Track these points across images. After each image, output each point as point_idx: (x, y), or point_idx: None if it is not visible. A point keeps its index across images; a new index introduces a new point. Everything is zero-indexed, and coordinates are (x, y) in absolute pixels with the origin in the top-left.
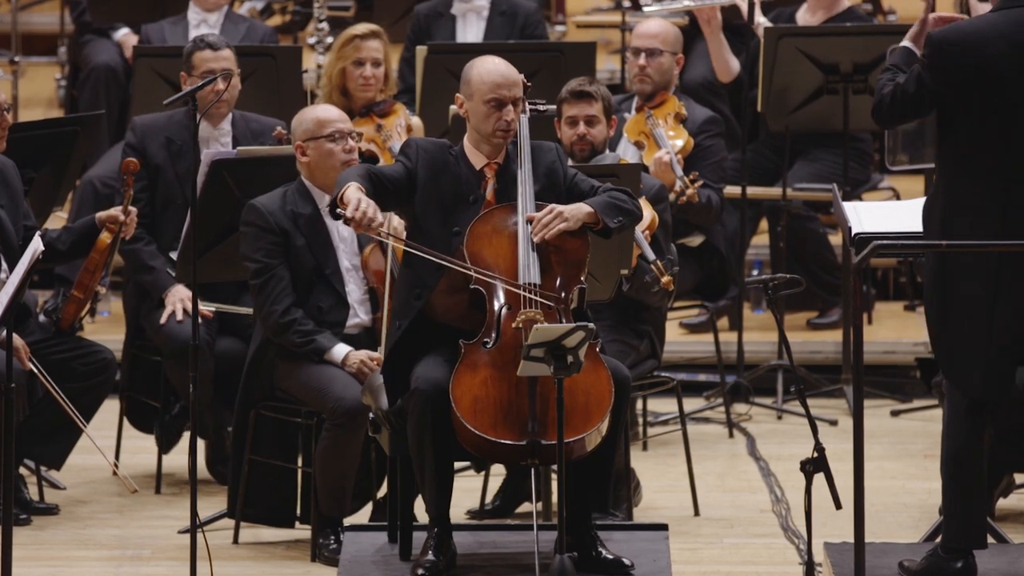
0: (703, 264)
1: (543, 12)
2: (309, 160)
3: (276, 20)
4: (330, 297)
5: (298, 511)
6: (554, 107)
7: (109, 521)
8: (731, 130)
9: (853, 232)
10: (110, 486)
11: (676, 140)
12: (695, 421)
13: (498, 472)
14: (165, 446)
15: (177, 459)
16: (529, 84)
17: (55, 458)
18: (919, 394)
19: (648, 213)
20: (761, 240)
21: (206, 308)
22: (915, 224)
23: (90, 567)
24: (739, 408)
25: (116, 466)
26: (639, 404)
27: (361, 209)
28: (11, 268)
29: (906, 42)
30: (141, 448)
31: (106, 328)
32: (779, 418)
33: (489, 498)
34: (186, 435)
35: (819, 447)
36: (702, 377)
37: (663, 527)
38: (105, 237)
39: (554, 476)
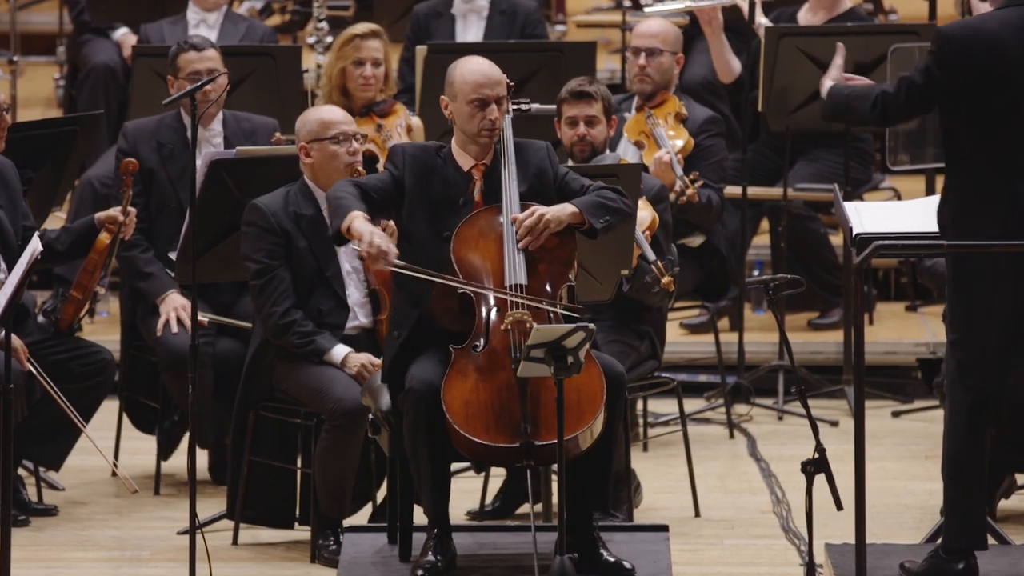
0: (704, 264)
1: (543, 12)
2: (313, 161)
3: (275, 20)
4: (330, 299)
5: (297, 512)
6: (545, 107)
7: (108, 522)
8: (731, 130)
9: (854, 232)
10: (109, 487)
11: (676, 140)
12: (696, 422)
13: (498, 473)
14: (164, 453)
15: (176, 460)
16: (512, 84)
17: (54, 459)
18: (920, 395)
19: (648, 213)
20: (762, 240)
21: (200, 318)
22: (916, 224)
23: (89, 568)
24: (740, 409)
25: (115, 467)
26: (640, 405)
27: (375, 245)
28: (10, 268)
29: (830, 81)
30: (140, 449)
31: (105, 328)
32: (780, 419)
33: (489, 499)
34: (185, 436)
35: (820, 448)
36: (703, 378)
37: (664, 528)
38: (104, 237)
39: (554, 477)
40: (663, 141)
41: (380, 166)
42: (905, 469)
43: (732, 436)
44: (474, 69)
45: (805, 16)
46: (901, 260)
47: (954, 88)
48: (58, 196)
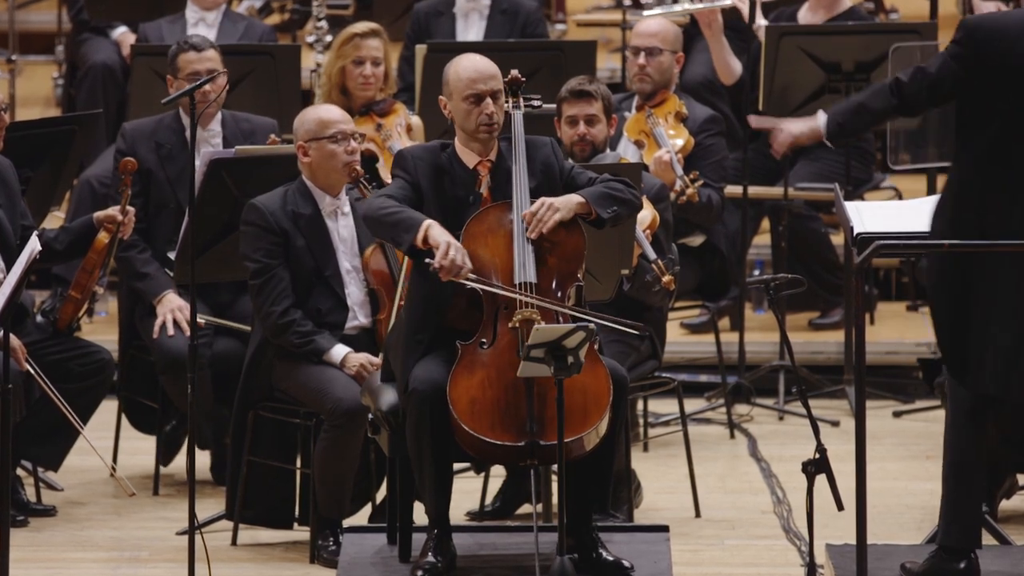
0: (704, 264)
1: (544, 11)
2: (311, 161)
3: (275, 18)
4: (330, 299)
5: (297, 512)
6: (546, 106)
7: (107, 522)
8: (732, 129)
9: (855, 232)
10: (108, 487)
11: (677, 139)
12: (696, 422)
13: (498, 473)
14: (166, 458)
15: (176, 460)
16: (523, 79)
17: (52, 459)
18: (921, 395)
19: (649, 212)
20: (762, 240)
21: (198, 319)
22: (918, 224)
23: (88, 568)
24: (740, 409)
25: (114, 468)
26: (640, 405)
27: (450, 257)
28: (8, 268)
29: (819, 114)
30: (139, 449)
31: (103, 328)
32: (781, 419)
33: (489, 499)
34: (186, 439)
35: (821, 448)
36: (703, 378)
37: (664, 528)
38: (103, 237)
39: (554, 477)
40: (663, 140)
41: (380, 166)
42: (906, 469)
43: (733, 436)
44: (467, 65)
45: (805, 15)
46: (902, 260)
47: (975, 80)
48: (56, 195)
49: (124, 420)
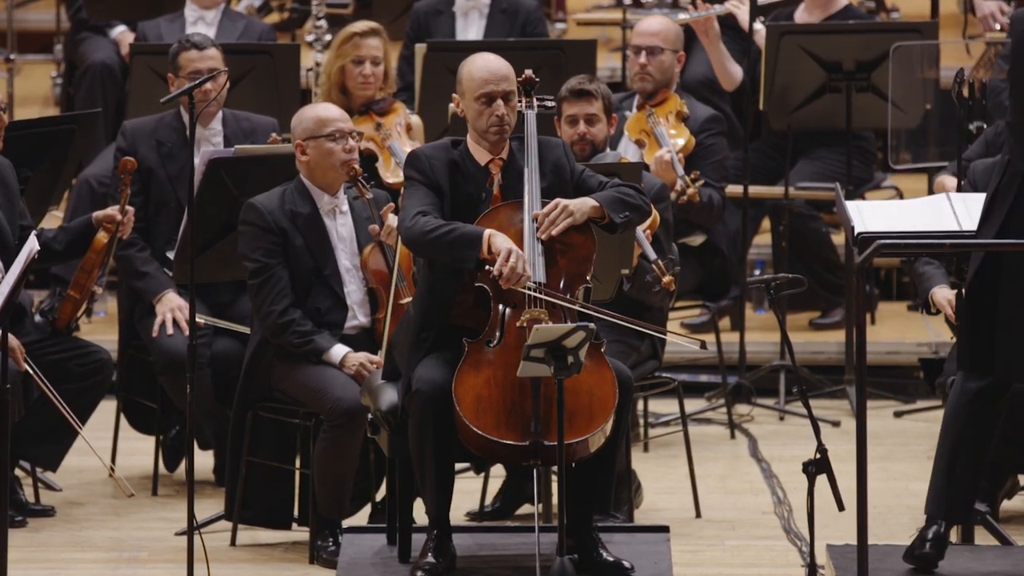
0: (704, 264)
1: (544, 10)
2: (309, 159)
3: (274, 17)
4: (329, 298)
5: (296, 513)
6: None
7: (105, 523)
8: (733, 129)
9: (856, 231)
10: (106, 488)
11: (677, 139)
12: (696, 422)
13: (498, 474)
14: (171, 465)
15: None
16: (537, 80)
17: (51, 459)
18: (922, 395)
19: None
20: (763, 239)
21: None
22: (919, 223)
23: (86, 569)
24: (741, 409)
25: (113, 469)
26: (640, 405)
27: (510, 264)
28: (7, 268)
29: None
30: (138, 449)
31: (102, 328)
32: (781, 419)
33: (489, 500)
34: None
35: (821, 448)
36: (703, 378)
37: (664, 529)
38: (102, 237)
39: (555, 478)
40: (664, 140)
41: (379, 165)
42: (907, 470)
43: (733, 436)
44: (480, 65)
45: (801, 16)
46: (903, 259)
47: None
48: (55, 195)
49: (123, 420)
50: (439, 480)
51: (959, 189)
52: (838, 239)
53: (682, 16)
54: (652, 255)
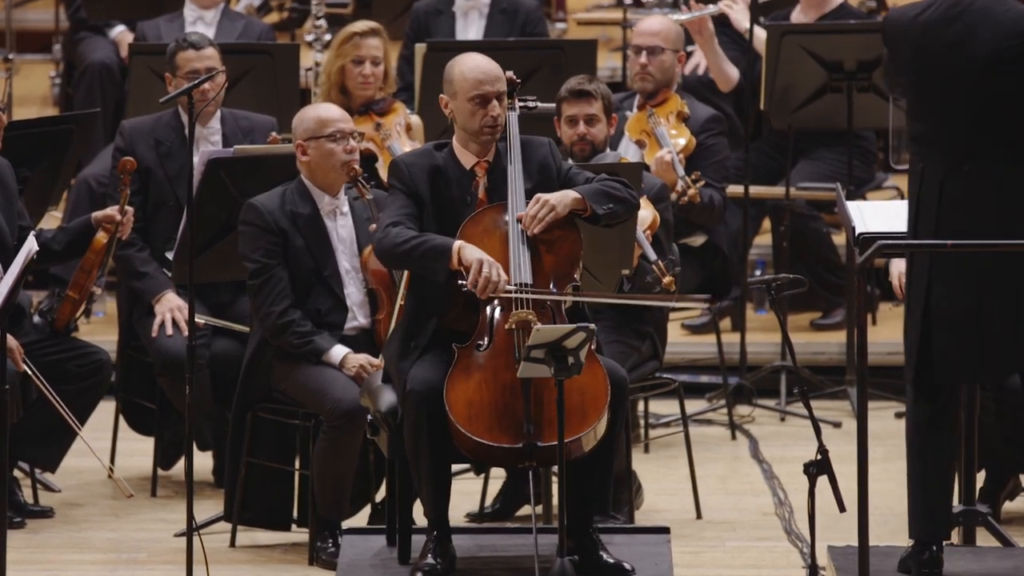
0: (705, 264)
1: (544, 9)
2: (309, 160)
3: (273, 17)
4: (329, 299)
5: (296, 514)
6: (545, 105)
7: (104, 524)
8: (733, 129)
9: (857, 232)
10: (105, 489)
11: (678, 139)
12: (697, 423)
13: (498, 475)
14: (166, 463)
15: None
16: (519, 80)
17: (50, 460)
18: None
19: (649, 213)
20: (764, 240)
21: (196, 319)
22: None
23: (85, 570)
24: (741, 410)
25: (112, 470)
26: (640, 406)
27: (484, 275)
28: (6, 268)
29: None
30: (137, 450)
31: (101, 329)
32: (782, 420)
33: (489, 501)
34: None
35: (823, 449)
36: (704, 378)
37: (665, 530)
38: (101, 237)
39: (555, 479)
40: (665, 140)
41: (379, 165)
42: None
43: (734, 437)
44: (473, 66)
45: (798, 16)
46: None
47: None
48: (54, 195)
49: (122, 421)
50: (436, 480)
51: None
52: (839, 239)
53: (675, 16)
54: (652, 256)
